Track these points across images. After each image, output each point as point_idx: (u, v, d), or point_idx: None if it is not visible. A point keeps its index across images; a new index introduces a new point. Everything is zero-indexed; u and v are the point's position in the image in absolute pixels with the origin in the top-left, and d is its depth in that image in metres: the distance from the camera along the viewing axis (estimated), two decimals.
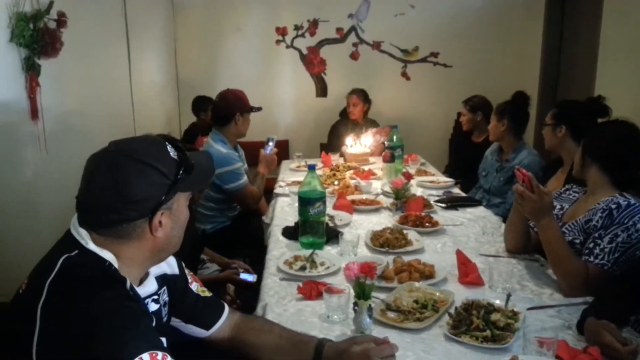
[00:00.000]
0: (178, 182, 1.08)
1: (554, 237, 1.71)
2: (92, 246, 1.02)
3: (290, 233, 2.32)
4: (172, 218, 1.10)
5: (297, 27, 5.22)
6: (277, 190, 3.24)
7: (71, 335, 0.91)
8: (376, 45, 5.22)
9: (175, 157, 1.10)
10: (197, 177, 1.15)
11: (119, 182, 1.01)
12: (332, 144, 4.64)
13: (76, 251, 1.01)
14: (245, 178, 3.14)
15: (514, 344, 1.37)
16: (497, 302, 1.56)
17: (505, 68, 5.04)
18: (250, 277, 2.41)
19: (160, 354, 0.94)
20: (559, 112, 2.45)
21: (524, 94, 3.04)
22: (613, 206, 1.67)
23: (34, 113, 2.34)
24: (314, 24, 5.20)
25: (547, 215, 1.73)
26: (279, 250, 2.19)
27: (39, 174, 2.19)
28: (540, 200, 1.72)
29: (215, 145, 3.09)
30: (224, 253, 2.77)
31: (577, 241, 1.78)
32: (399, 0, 5.09)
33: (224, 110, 3.18)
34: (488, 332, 1.39)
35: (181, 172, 1.08)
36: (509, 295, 1.64)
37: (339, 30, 5.20)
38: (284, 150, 5.21)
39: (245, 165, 3.32)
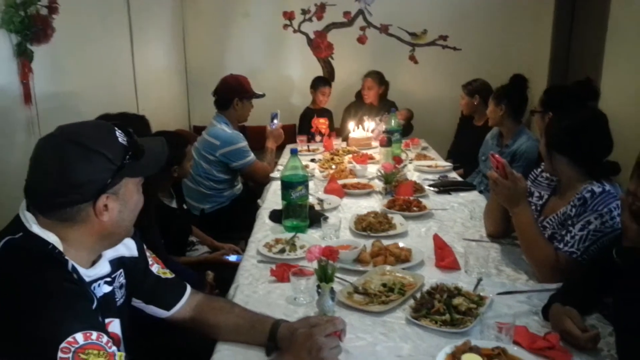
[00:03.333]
0: (124, 167, 1.09)
1: (527, 223, 1.69)
2: (35, 229, 1.04)
3: (276, 216, 2.33)
4: (120, 202, 1.11)
5: (304, 12, 5.17)
6: (274, 174, 3.26)
7: (5, 315, 0.94)
8: (384, 29, 5.14)
9: (124, 142, 1.10)
10: (148, 163, 1.15)
11: (62, 166, 1.03)
12: (346, 125, 4.58)
13: (20, 234, 1.04)
14: (252, 155, 3.21)
15: (474, 329, 1.36)
16: (466, 287, 1.56)
17: (515, 51, 4.92)
18: (237, 258, 2.44)
19: (95, 334, 0.96)
20: (546, 98, 2.39)
21: (522, 77, 2.97)
22: (587, 194, 1.62)
23: (27, 98, 2.39)
24: (321, 8, 5.14)
25: (521, 201, 1.71)
26: (263, 233, 2.21)
27: None
28: (514, 187, 1.70)
29: (220, 126, 3.19)
30: (221, 234, 2.81)
31: (558, 235, 1.73)
32: None
33: (223, 95, 3.26)
34: (447, 316, 1.38)
35: (128, 157, 1.09)
36: (479, 280, 1.63)
37: (346, 13, 5.14)
38: (291, 134, 5.20)
39: None
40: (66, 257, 1.05)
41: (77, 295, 1.01)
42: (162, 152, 1.22)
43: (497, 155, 1.74)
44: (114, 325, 1.19)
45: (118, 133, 1.11)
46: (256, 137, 3.71)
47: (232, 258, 2.46)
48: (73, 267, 1.05)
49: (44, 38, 2.40)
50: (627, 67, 3.26)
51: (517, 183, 1.68)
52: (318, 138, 4.20)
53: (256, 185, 3.37)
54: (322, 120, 4.22)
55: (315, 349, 1.16)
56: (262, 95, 3.40)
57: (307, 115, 4.64)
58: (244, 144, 3.17)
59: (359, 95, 4.80)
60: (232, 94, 3.22)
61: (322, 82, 4.77)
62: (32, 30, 2.34)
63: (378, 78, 4.61)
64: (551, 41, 4.46)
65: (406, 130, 4.07)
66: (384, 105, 4.57)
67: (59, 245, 1.05)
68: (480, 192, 2.88)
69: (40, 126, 2.45)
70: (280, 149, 4.17)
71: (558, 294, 1.45)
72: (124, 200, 1.12)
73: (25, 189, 1.07)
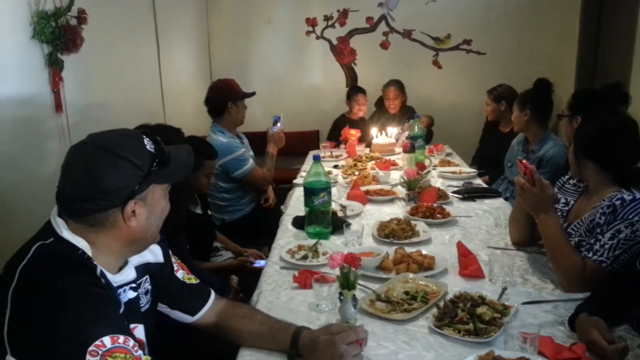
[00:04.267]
0: (152, 173, 1.11)
1: (554, 231, 1.66)
2: (65, 234, 1.07)
3: (299, 223, 2.34)
4: (147, 208, 1.13)
5: (327, 18, 5.20)
6: (297, 180, 3.27)
7: (37, 318, 0.96)
8: (407, 34, 5.13)
9: (152, 149, 1.13)
10: (174, 170, 1.18)
11: (92, 173, 1.06)
12: (369, 136, 4.56)
13: (51, 239, 1.07)
14: (251, 162, 3.17)
15: (498, 339, 1.35)
16: (490, 296, 1.54)
17: (541, 55, 4.85)
18: (262, 264, 2.45)
19: (122, 338, 0.98)
20: (574, 102, 2.35)
21: (546, 81, 2.92)
22: (617, 202, 1.58)
23: (58, 106, 2.46)
24: (343, 14, 5.17)
25: (548, 209, 1.68)
26: (286, 239, 2.22)
27: None
28: (541, 194, 1.67)
29: (215, 137, 3.12)
30: (245, 241, 2.83)
31: (584, 242, 1.69)
32: None
33: (216, 102, 3.19)
34: (471, 326, 1.37)
35: (155, 164, 1.12)
36: (504, 289, 1.61)
37: (369, 19, 5.15)
38: (314, 140, 5.23)
39: (251, 152, 3.36)
40: (95, 262, 1.08)
41: (105, 299, 1.03)
42: (189, 160, 1.25)
43: (525, 161, 1.72)
44: (139, 331, 1.21)
45: (146, 141, 1.13)
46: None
47: (258, 264, 2.48)
48: (101, 272, 1.08)
49: (73, 48, 2.48)
50: None
51: (545, 190, 1.66)
52: (343, 147, 4.17)
53: (257, 192, 3.33)
54: (353, 131, 4.08)
55: (337, 357, 1.17)
56: (253, 94, 3.33)
57: (340, 123, 4.57)
58: (240, 151, 3.11)
59: (379, 104, 4.77)
60: (224, 98, 3.15)
61: (355, 91, 4.65)
62: (63, 40, 2.42)
63: (400, 86, 4.54)
64: (578, 45, 4.39)
65: (426, 137, 4.03)
66: (405, 112, 4.54)
67: (88, 251, 1.08)
68: (506, 199, 2.84)
69: (71, 134, 2.52)
70: (303, 155, 4.20)
71: (585, 303, 1.42)
72: (152, 206, 1.14)
73: (57, 195, 1.11)
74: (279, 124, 3.39)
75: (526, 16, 4.91)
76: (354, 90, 4.72)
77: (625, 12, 3.74)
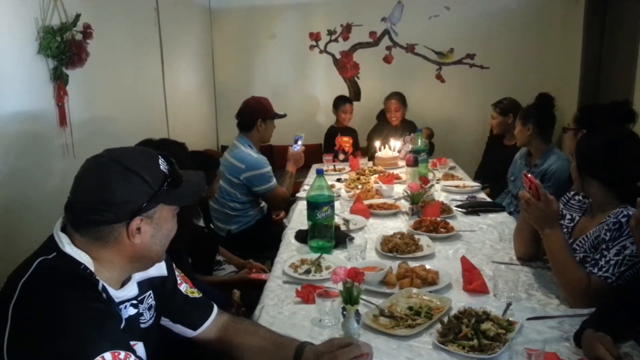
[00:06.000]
0: (161, 193, 1.11)
1: (559, 246, 1.65)
2: (67, 249, 1.07)
3: (302, 237, 2.34)
4: (153, 226, 1.13)
5: (330, 32, 5.24)
6: (300, 193, 3.27)
7: (37, 333, 0.95)
8: (410, 48, 5.16)
9: (165, 170, 1.14)
10: (185, 193, 1.18)
11: (102, 184, 1.06)
12: (371, 148, 4.59)
13: (54, 254, 1.06)
14: (275, 180, 3.24)
15: (503, 355, 1.33)
16: (495, 311, 1.53)
17: (544, 69, 4.87)
18: (263, 276, 2.44)
19: (123, 353, 0.97)
20: (580, 116, 2.34)
21: (548, 96, 2.92)
22: (623, 219, 1.58)
23: (62, 120, 2.47)
24: (347, 29, 5.21)
25: (553, 223, 1.67)
26: (289, 253, 2.22)
27: (67, 179, 2.28)
28: (546, 208, 1.67)
29: (246, 150, 3.21)
30: (248, 253, 2.82)
31: (589, 258, 1.68)
32: (434, 2, 5.01)
33: (247, 117, 3.30)
34: (475, 342, 1.35)
35: (166, 184, 1.12)
36: (508, 304, 1.60)
37: (372, 34, 5.19)
38: (317, 154, 5.23)
39: None
40: (97, 277, 1.07)
41: (106, 314, 1.03)
42: (200, 186, 1.26)
43: (530, 175, 1.72)
44: (137, 349, 1.20)
45: (161, 161, 1.14)
46: (283, 156, 3.73)
47: (260, 276, 2.46)
48: (103, 287, 1.08)
49: (78, 62, 2.50)
50: None
51: (550, 205, 1.65)
52: (341, 156, 4.20)
53: (273, 208, 3.40)
54: (345, 138, 4.21)
55: None
56: (284, 116, 3.42)
57: (331, 134, 4.67)
58: (268, 169, 3.20)
59: (381, 117, 4.79)
60: (255, 115, 3.26)
61: (342, 101, 4.79)
62: (68, 54, 2.44)
63: (402, 99, 4.58)
64: (581, 58, 4.39)
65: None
66: (407, 126, 4.57)
67: (91, 266, 1.08)
68: (510, 213, 2.83)
69: (75, 148, 2.53)
70: (306, 168, 4.20)
71: (591, 319, 1.41)
72: (158, 225, 1.14)
73: (66, 204, 1.11)
74: (299, 143, 3.45)
75: (529, 31, 4.94)
76: (340, 100, 4.81)
77: (628, 26, 3.75)
